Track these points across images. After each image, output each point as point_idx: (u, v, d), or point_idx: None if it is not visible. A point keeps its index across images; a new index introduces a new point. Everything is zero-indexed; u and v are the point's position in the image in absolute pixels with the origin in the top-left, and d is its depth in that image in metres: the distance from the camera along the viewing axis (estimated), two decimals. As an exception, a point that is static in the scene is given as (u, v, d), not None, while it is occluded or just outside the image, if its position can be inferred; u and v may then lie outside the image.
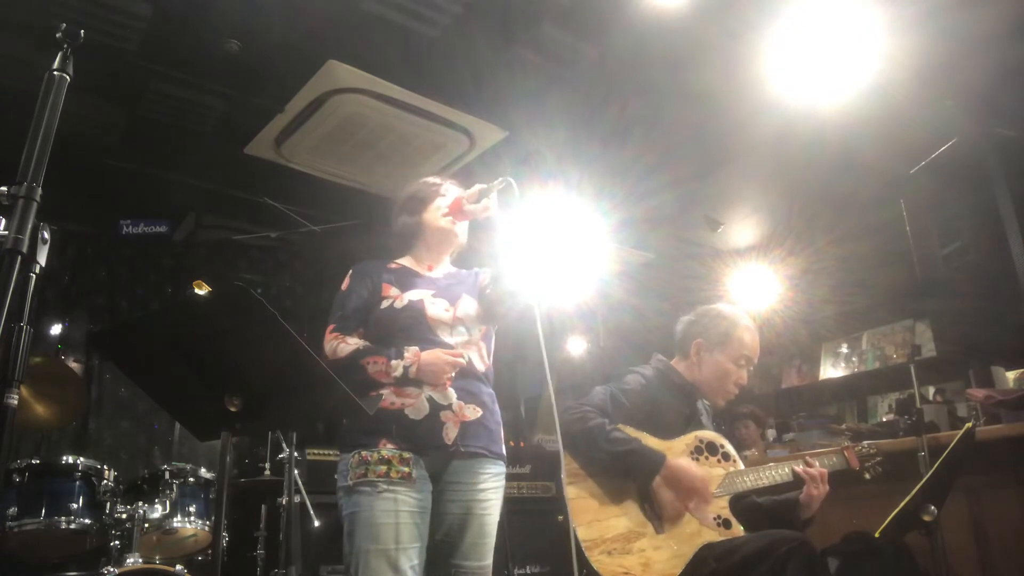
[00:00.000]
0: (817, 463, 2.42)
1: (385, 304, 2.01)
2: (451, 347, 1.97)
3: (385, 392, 1.90)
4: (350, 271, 2.15)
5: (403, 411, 1.89)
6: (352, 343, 1.97)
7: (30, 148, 1.24)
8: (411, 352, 1.91)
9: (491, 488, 1.95)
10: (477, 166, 4.25)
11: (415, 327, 1.97)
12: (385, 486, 1.81)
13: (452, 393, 1.93)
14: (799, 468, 2.40)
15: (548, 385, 1.86)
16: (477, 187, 2.09)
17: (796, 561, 2.01)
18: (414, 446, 1.87)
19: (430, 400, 1.90)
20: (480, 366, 2.04)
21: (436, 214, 2.14)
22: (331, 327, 2.02)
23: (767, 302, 5.12)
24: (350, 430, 1.93)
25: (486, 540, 1.92)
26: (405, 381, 1.90)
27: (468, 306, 2.07)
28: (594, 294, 5.64)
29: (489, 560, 1.92)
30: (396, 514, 1.80)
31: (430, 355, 1.91)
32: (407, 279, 2.09)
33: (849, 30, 3.14)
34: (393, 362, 1.90)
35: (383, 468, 1.83)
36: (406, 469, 1.84)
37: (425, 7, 3.10)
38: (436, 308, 2.01)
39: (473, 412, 1.95)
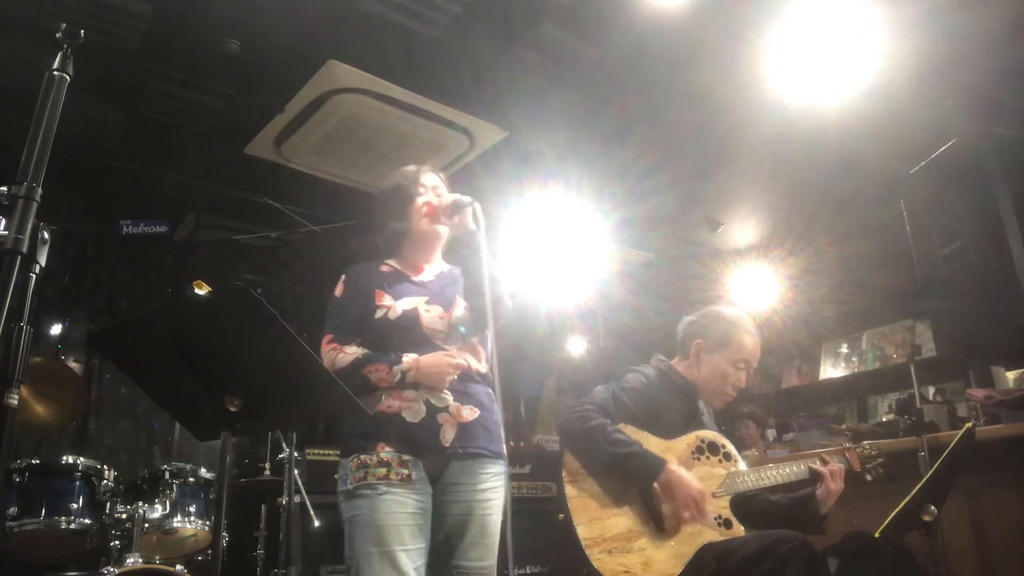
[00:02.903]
0: (833, 460, 2.43)
1: (379, 314, 2.00)
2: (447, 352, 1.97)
3: (383, 396, 1.91)
4: (343, 276, 2.13)
5: (400, 414, 1.90)
6: (351, 352, 1.95)
7: (30, 148, 1.24)
8: (410, 357, 1.92)
9: (492, 488, 1.95)
10: (477, 166, 4.25)
11: (411, 337, 1.97)
12: (385, 488, 1.82)
13: (449, 395, 1.93)
14: (817, 465, 2.41)
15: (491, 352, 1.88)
16: (452, 198, 2.10)
17: (796, 561, 2.01)
18: (412, 449, 1.88)
19: (427, 403, 1.91)
20: (478, 367, 2.04)
21: (419, 215, 2.12)
22: (328, 337, 2.01)
23: (767, 302, 5.12)
24: (348, 434, 1.94)
25: (488, 540, 1.91)
26: (403, 385, 1.91)
27: (462, 309, 2.07)
28: (594, 294, 5.65)
29: (492, 560, 1.91)
30: (398, 515, 1.81)
31: (432, 358, 1.92)
32: (399, 285, 2.08)
33: (849, 30, 3.14)
34: (394, 368, 1.90)
35: (383, 471, 1.84)
36: (405, 471, 1.84)
37: (425, 7, 3.11)
38: (430, 316, 2.00)
39: (471, 413, 1.95)
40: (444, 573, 1.89)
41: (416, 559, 1.80)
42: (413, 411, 1.90)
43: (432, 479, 1.90)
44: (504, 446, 2.02)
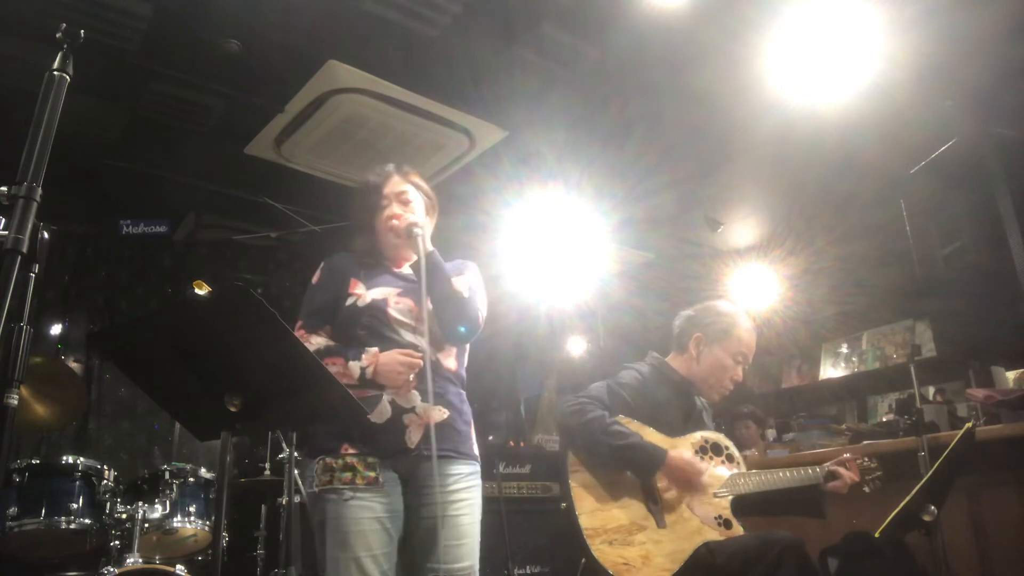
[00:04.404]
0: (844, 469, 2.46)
1: (350, 301, 1.95)
2: (413, 347, 1.90)
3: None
4: (322, 264, 2.08)
5: None
6: (315, 343, 1.91)
7: (30, 148, 1.24)
8: (370, 353, 1.86)
9: (463, 489, 1.89)
10: (477, 166, 4.25)
11: (377, 327, 1.91)
12: (351, 493, 1.78)
13: (416, 395, 1.87)
14: (841, 469, 2.44)
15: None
16: (406, 223, 1.99)
17: (790, 562, 2.04)
18: (377, 450, 1.83)
19: (392, 403, 1.85)
20: (450, 365, 1.99)
21: (385, 228, 2.05)
22: (298, 324, 1.96)
23: (767, 302, 5.12)
24: (314, 435, 1.90)
25: (464, 541, 1.86)
26: (365, 383, 1.85)
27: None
28: (594, 294, 5.64)
29: (470, 561, 1.86)
30: (365, 521, 1.77)
31: (387, 356, 1.85)
32: (377, 275, 2.02)
33: (849, 30, 3.14)
34: (351, 363, 1.85)
35: (348, 475, 1.80)
36: (372, 474, 1.80)
37: (425, 7, 3.10)
38: (399, 308, 1.94)
39: (439, 414, 1.89)
40: (421, 575, 1.85)
41: (383, 563, 1.77)
42: (378, 412, 1.84)
43: (402, 479, 1.86)
44: (476, 447, 1.99)
